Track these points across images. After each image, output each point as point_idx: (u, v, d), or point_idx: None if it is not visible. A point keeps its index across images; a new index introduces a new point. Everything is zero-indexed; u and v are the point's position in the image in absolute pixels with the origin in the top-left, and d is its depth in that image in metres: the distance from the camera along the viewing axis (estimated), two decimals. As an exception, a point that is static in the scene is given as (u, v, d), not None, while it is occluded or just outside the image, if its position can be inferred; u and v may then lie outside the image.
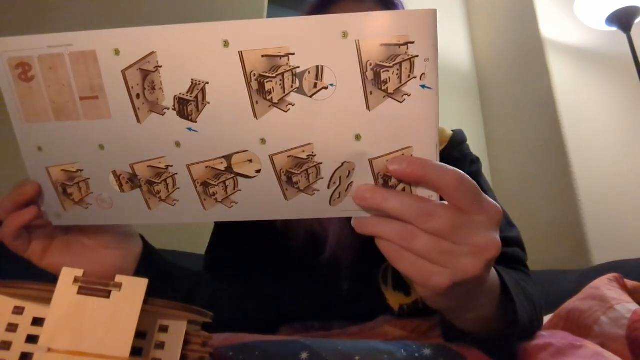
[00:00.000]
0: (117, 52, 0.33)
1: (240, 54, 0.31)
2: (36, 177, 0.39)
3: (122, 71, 0.33)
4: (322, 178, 0.34)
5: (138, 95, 0.34)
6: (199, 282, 0.60)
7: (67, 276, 0.32)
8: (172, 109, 0.34)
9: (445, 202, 0.33)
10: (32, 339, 0.31)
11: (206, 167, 0.35)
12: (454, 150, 0.69)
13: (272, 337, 0.47)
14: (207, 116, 0.34)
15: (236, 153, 0.35)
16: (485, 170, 1.92)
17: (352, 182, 0.34)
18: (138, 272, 0.48)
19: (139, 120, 0.35)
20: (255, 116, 0.33)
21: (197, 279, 0.61)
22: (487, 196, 0.33)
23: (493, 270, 0.42)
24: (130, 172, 0.37)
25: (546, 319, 0.75)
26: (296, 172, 0.34)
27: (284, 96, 0.32)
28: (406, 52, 0.30)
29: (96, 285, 0.32)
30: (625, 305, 0.67)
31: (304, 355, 0.39)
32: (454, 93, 2.01)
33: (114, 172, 0.37)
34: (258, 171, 0.35)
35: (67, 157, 0.38)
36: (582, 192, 1.52)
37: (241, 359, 0.39)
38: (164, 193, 0.37)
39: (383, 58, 0.31)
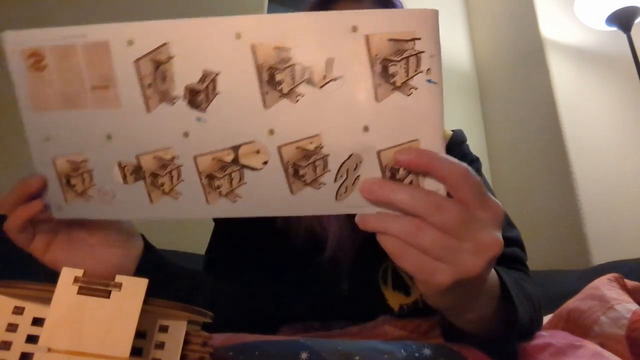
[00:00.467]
0: (130, 42, 0.34)
1: (252, 46, 0.32)
2: (42, 168, 0.39)
3: (134, 61, 0.34)
4: (329, 171, 0.34)
5: (149, 85, 0.34)
6: (199, 282, 0.60)
7: (67, 276, 0.32)
8: (183, 99, 0.34)
9: (451, 198, 0.33)
10: (32, 339, 0.31)
11: (213, 159, 0.35)
12: (454, 151, 0.69)
13: (272, 337, 0.47)
14: (216, 106, 0.34)
15: (244, 144, 0.35)
16: (485, 170, 1.92)
17: (359, 175, 0.34)
18: (138, 272, 0.48)
19: (148, 109, 0.35)
20: (265, 106, 0.33)
21: (197, 279, 0.61)
22: (489, 194, 0.33)
23: (492, 270, 0.42)
24: (135, 163, 0.37)
25: (546, 319, 0.75)
26: (303, 164, 0.34)
27: (293, 87, 0.33)
28: (413, 48, 0.31)
29: (96, 285, 0.32)
30: (625, 305, 0.67)
31: (304, 355, 0.39)
32: (454, 93, 2.01)
33: (119, 163, 0.37)
34: (265, 163, 0.35)
35: (73, 147, 0.38)
36: (582, 192, 1.52)
37: (241, 359, 0.39)
38: (168, 185, 0.37)
39: (391, 52, 0.32)
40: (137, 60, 0.34)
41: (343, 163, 0.34)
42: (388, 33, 0.31)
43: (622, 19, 1.50)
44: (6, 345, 0.30)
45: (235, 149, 0.35)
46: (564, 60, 1.72)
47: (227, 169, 0.36)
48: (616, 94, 1.70)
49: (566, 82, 1.68)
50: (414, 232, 0.32)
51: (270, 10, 1.74)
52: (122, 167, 0.38)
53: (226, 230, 0.71)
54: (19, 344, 0.31)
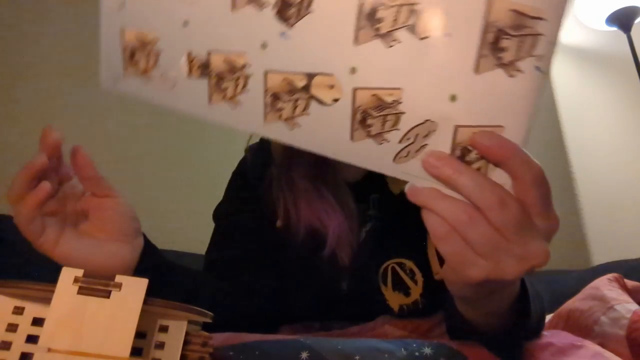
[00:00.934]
0: None
1: None
2: (107, 35, 0.37)
3: None
4: (398, 129, 0.31)
5: None
6: (199, 282, 0.60)
7: (67, 276, 0.32)
8: (273, 7, 0.32)
9: (515, 197, 0.31)
10: (32, 339, 0.31)
11: (284, 80, 0.33)
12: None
13: (272, 337, 0.47)
14: (305, 25, 0.31)
15: (320, 74, 0.32)
16: (485, 170, 1.92)
17: (426, 144, 0.31)
18: (139, 271, 0.48)
19: (234, 6, 0.33)
20: (356, 41, 0.30)
21: (198, 279, 0.61)
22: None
23: None
24: (205, 58, 0.35)
25: (546, 319, 0.75)
26: (374, 114, 0.31)
27: (392, 30, 0.30)
28: (534, 27, 0.28)
29: (96, 285, 0.32)
30: (625, 306, 0.67)
31: (304, 355, 0.39)
32: (454, 93, 2.01)
33: (189, 54, 0.35)
34: (335, 100, 0.32)
35: (147, 23, 0.36)
36: (582, 192, 1.52)
37: (241, 358, 0.39)
38: (231, 92, 0.35)
39: (509, 24, 0.28)
40: None
41: (415, 126, 0.31)
42: (514, 2, 0.28)
43: (622, 19, 1.50)
44: (6, 345, 0.30)
45: (310, 76, 0.32)
46: (564, 60, 1.72)
47: (294, 94, 0.33)
48: (616, 94, 1.70)
49: (566, 82, 1.68)
50: (466, 221, 0.30)
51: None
52: (190, 59, 0.35)
53: (226, 230, 0.71)
54: (19, 344, 0.31)
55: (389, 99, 0.31)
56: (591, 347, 0.47)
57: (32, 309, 0.32)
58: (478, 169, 0.31)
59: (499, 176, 0.31)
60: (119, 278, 0.32)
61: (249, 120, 0.35)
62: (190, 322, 0.35)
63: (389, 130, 0.32)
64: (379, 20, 0.30)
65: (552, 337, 0.50)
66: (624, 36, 1.52)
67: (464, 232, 0.30)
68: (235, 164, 0.76)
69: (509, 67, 0.29)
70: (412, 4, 0.29)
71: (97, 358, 0.30)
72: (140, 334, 0.32)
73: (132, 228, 0.47)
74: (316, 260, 0.62)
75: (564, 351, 0.46)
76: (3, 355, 0.30)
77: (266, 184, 0.68)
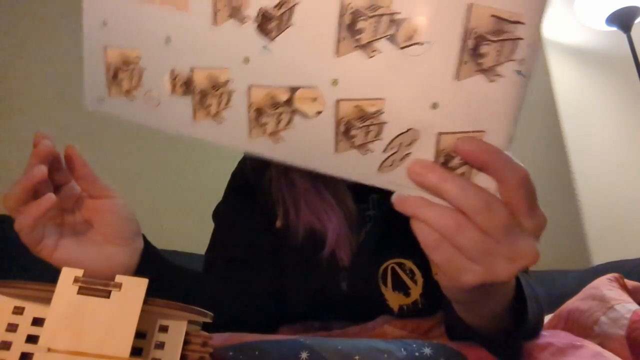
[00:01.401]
0: None
1: None
2: (91, 54, 0.37)
3: None
4: (381, 139, 0.32)
5: None
6: (199, 282, 0.60)
7: (67, 276, 0.32)
8: (254, 21, 0.32)
9: (500, 199, 0.31)
10: (32, 339, 0.31)
11: (267, 94, 0.33)
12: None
13: (272, 337, 0.47)
14: (286, 39, 0.31)
15: (303, 87, 0.32)
16: (485, 170, 1.92)
17: (410, 152, 0.32)
18: (139, 271, 0.48)
19: (215, 22, 0.32)
20: (337, 53, 0.30)
21: (198, 279, 0.61)
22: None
23: None
24: (188, 75, 0.35)
25: (546, 319, 0.75)
26: (357, 125, 0.32)
27: (373, 40, 0.30)
28: (513, 32, 0.28)
29: (96, 285, 0.32)
30: (625, 305, 0.67)
31: (304, 355, 0.39)
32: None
33: (172, 72, 0.35)
34: (319, 112, 0.32)
35: (129, 41, 0.36)
36: (582, 192, 1.52)
37: (241, 359, 0.39)
38: (214, 108, 0.35)
39: (489, 30, 0.28)
40: None
41: (398, 135, 0.31)
42: (493, 8, 0.28)
43: (622, 19, 1.50)
44: (6, 345, 0.30)
45: (293, 90, 0.32)
46: (564, 60, 1.73)
47: (278, 108, 0.33)
48: (616, 94, 1.70)
49: (566, 82, 1.68)
50: (454, 227, 0.30)
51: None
52: (173, 76, 0.35)
53: (226, 230, 0.71)
54: (19, 344, 0.31)
55: (371, 110, 0.31)
56: (591, 347, 0.47)
57: (32, 309, 0.32)
58: (462, 175, 0.31)
59: (484, 180, 0.31)
60: (119, 278, 0.32)
61: (233, 136, 0.35)
62: (190, 322, 0.35)
63: (373, 141, 0.32)
64: (360, 31, 0.30)
65: (552, 337, 0.50)
66: (624, 36, 1.52)
67: (453, 239, 0.30)
68: (235, 164, 0.76)
69: (489, 72, 0.29)
70: (392, 14, 0.29)
71: (97, 358, 0.30)
72: (140, 334, 0.32)
73: (130, 231, 0.46)
74: (316, 260, 0.62)
75: (563, 351, 0.46)
76: (3, 355, 0.30)
77: (266, 184, 0.68)
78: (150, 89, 0.36)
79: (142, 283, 0.32)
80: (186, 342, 0.34)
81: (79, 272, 0.32)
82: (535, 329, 0.50)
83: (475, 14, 0.28)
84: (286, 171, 0.66)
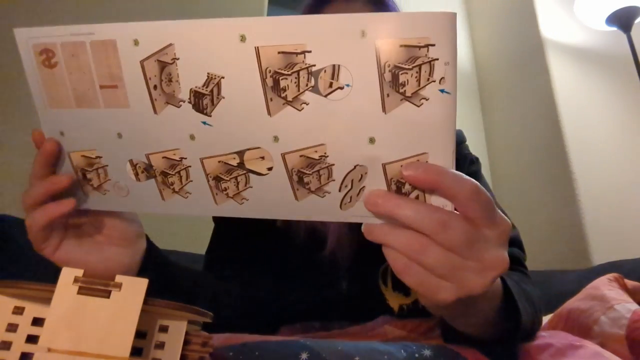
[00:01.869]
0: (136, 42, 0.33)
1: (257, 49, 0.31)
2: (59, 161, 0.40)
3: (140, 61, 0.34)
4: (334, 180, 0.34)
5: (155, 87, 0.34)
6: (200, 282, 0.60)
7: (67, 276, 0.32)
8: (188, 102, 0.34)
9: (458, 213, 0.32)
10: (32, 339, 0.31)
11: (219, 162, 0.35)
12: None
13: (272, 337, 0.47)
14: (221, 111, 0.33)
15: (249, 149, 0.34)
16: (485, 170, 1.92)
17: (364, 186, 0.34)
18: (141, 271, 0.48)
19: (155, 111, 0.35)
20: (269, 113, 0.33)
21: (198, 279, 0.61)
22: (498, 210, 0.33)
23: None
24: (146, 161, 0.38)
25: (546, 319, 0.75)
26: (307, 172, 0.34)
27: (298, 94, 0.32)
28: (426, 55, 0.29)
29: (96, 285, 0.32)
30: (625, 305, 0.67)
31: (304, 355, 0.39)
32: (454, 93, 2.01)
33: (131, 161, 0.38)
34: (270, 169, 0.34)
35: (87, 143, 0.39)
36: (582, 192, 1.52)
37: (241, 359, 0.39)
38: (177, 185, 0.38)
39: (402, 60, 0.30)
40: (143, 60, 0.34)
41: (348, 173, 0.33)
42: (399, 39, 0.29)
43: (622, 19, 1.50)
44: (6, 345, 0.30)
45: (241, 153, 0.35)
46: (564, 60, 1.72)
47: (233, 172, 0.36)
48: (616, 94, 1.70)
49: (566, 82, 1.68)
50: (417, 249, 0.31)
51: (270, 13, 1.74)
52: (134, 165, 0.38)
53: (226, 230, 0.71)
54: (19, 344, 0.31)
55: (316, 156, 0.33)
56: (590, 347, 0.47)
57: (32, 309, 0.32)
58: (417, 198, 0.33)
59: (438, 199, 0.32)
60: (119, 278, 0.32)
61: (202, 205, 0.38)
62: (190, 322, 0.35)
63: (327, 183, 0.34)
64: (284, 90, 0.32)
65: (551, 337, 0.50)
66: (624, 36, 1.52)
67: (419, 260, 0.31)
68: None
69: (414, 98, 0.30)
70: (308, 67, 0.31)
71: (97, 358, 0.30)
72: (140, 334, 0.32)
73: (132, 232, 0.47)
74: (316, 260, 0.62)
75: (563, 352, 0.46)
76: (3, 355, 0.30)
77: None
78: (118, 180, 0.39)
79: (142, 283, 0.32)
80: (186, 342, 0.34)
81: (79, 272, 0.32)
82: (532, 329, 0.50)
83: (383, 49, 0.30)
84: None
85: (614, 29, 1.54)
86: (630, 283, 0.76)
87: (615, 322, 0.65)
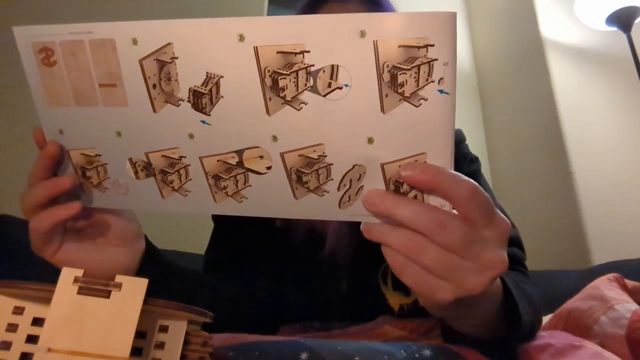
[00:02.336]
0: (135, 41, 0.34)
1: (255, 49, 0.31)
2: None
3: (139, 60, 0.34)
4: (332, 179, 0.34)
5: (154, 86, 0.34)
6: (200, 283, 0.60)
7: (67, 276, 0.32)
8: (187, 101, 0.34)
9: (456, 213, 0.32)
10: (32, 339, 0.31)
11: (218, 161, 0.36)
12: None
13: (272, 337, 0.47)
14: (220, 110, 0.34)
15: (248, 148, 0.35)
16: (485, 170, 1.92)
17: (362, 185, 0.34)
18: (140, 272, 0.48)
19: (154, 110, 0.35)
20: (268, 113, 0.33)
21: (198, 279, 0.61)
22: (497, 210, 0.33)
23: None
24: (145, 160, 0.38)
25: (546, 319, 0.75)
26: (306, 171, 0.34)
27: (297, 94, 0.32)
28: (425, 55, 0.29)
29: (96, 285, 0.32)
30: (625, 305, 0.67)
31: (304, 355, 0.39)
32: (454, 93, 2.01)
33: (130, 159, 0.38)
34: (269, 168, 0.35)
35: (86, 142, 0.39)
36: (582, 192, 1.52)
37: (241, 359, 0.39)
38: (177, 183, 0.38)
39: (401, 60, 0.30)
40: (142, 59, 0.34)
41: (346, 173, 0.33)
42: (399, 39, 0.29)
43: (622, 19, 1.50)
44: (6, 345, 0.30)
45: (240, 152, 0.35)
46: (564, 60, 1.72)
47: (232, 171, 0.36)
48: (616, 94, 1.70)
49: (566, 82, 1.68)
50: (415, 249, 0.31)
51: (269, 13, 1.74)
52: (133, 163, 0.38)
53: (226, 230, 0.71)
54: (19, 344, 0.31)
55: (314, 155, 0.33)
56: (590, 347, 0.47)
57: (32, 309, 0.32)
58: (415, 197, 0.33)
59: (436, 199, 0.32)
60: (119, 278, 0.32)
61: (201, 204, 0.38)
62: (190, 322, 0.35)
63: (325, 182, 0.34)
64: (283, 89, 0.32)
65: (551, 337, 0.50)
66: (624, 36, 1.52)
67: (417, 260, 0.31)
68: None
69: (413, 98, 0.30)
70: (307, 67, 0.31)
71: (97, 358, 0.30)
72: (140, 334, 0.32)
73: (132, 232, 0.47)
74: (316, 260, 0.62)
75: (563, 352, 0.46)
76: (3, 355, 0.30)
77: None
78: (117, 178, 0.39)
79: (142, 283, 0.32)
80: (186, 342, 0.34)
81: (79, 272, 0.32)
82: (532, 330, 0.50)
83: (382, 50, 0.30)
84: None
85: (614, 29, 1.54)
86: (630, 283, 0.76)
87: (615, 322, 0.65)
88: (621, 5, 1.48)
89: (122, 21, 0.34)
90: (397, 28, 0.29)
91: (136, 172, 0.39)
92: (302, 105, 0.32)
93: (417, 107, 0.31)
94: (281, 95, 0.32)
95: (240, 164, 0.35)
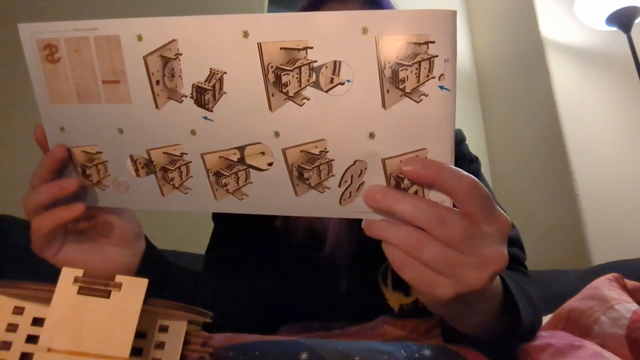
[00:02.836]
0: (139, 38, 0.34)
1: (259, 45, 0.31)
2: None
3: (143, 57, 0.34)
4: (334, 175, 0.34)
5: (158, 82, 0.34)
6: (200, 282, 0.60)
7: (67, 276, 0.32)
8: (190, 97, 0.34)
9: (456, 209, 0.32)
10: (32, 339, 0.31)
11: (219, 157, 0.36)
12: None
13: (272, 337, 0.47)
14: (223, 106, 0.34)
15: (249, 144, 0.35)
16: (485, 170, 1.92)
17: (363, 181, 0.34)
18: (141, 272, 0.48)
19: (157, 106, 0.35)
20: (270, 108, 0.33)
21: (198, 279, 0.61)
22: (497, 207, 0.33)
23: None
24: (146, 157, 0.38)
25: (546, 319, 0.75)
26: (308, 167, 0.34)
27: (299, 90, 0.32)
28: (426, 52, 0.30)
29: (96, 285, 0.32)
30: (625, 305, 0.67)
31: (304, 355, 0.39)
32: (454, 93, 2.01)
33: (131, 157, 0.38)
34: (270, 164, 0.35)
35: (87, 139, 0.39)
36: (582, 192, 1.52)
37: (241, 359, 0.39)
38: (177, 180, 0.38)
39: (402, 56, 0.30)
40: (146, 56, 0.34)
41: (347, 169, 0.34)
42: (400, 36, 0.30)
43: (622, 19, 1.50)
44: (6, 345, 0.30)
45: (241, 149, 0.35)
46: (564, 60, 1.72)
47: (233, 168, 0.36)
48: (616, 94, 1.70)
49: (566, 82, 1.68)
50: (415, 244, 0.31)
51: (269, 12, 1.74)
52: (134, 161, 0.38)
53: (226, 229, 0.71)
54: (19, 344, 0.31)
55: (316, 151, 0.33)
56: (590, 347, 0.47)
57: (32, 309, 0.32)
58: (415, 193, 0.33)
59: (437, 194, 0.33)
60: (119, 278, 0.32)
61: (201, 201, 0.38)
62: (190, 322, 0.35)
63: (327, 178, 0.34)
64: (285, 85, 0.32)
65: (551, 337, 0.50)
66: (624, 36, 1.52)
67: (417, 255, 0.31)
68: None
69: (413, 94, 0.31)
70: (310, 63, 0.31)
71: (97, 358, 0.30)
72: (140, 334, 0.32)
73: (132, 232, 0.47)
74: (316, 260, 0.62)
75: (563, 352, 0.46)
76: (3, 355, 0.30)
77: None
78: (118, 176, 0.39)
79: (142, 283, 0.32)
80: (186, 342, 0.34)
81: (79, 272, 0.32)
82: (532, 330, 0.50)
83: (383, 46, 0.30)
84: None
85: (614, 29, 1.54)
86: (630, 283, 0.76)
87: (615, 322, 0.65)
88: (621, 5, 1.48)
89: (126, 18, 0.34)
90: (398, 25, 0.30)
91: (137, 170, 0.38)
92: (304, 100, 0.32)
93: (418, 102, 0.31)
94: (284, 91, 0.32)
95: (241, 160, 0.35)
